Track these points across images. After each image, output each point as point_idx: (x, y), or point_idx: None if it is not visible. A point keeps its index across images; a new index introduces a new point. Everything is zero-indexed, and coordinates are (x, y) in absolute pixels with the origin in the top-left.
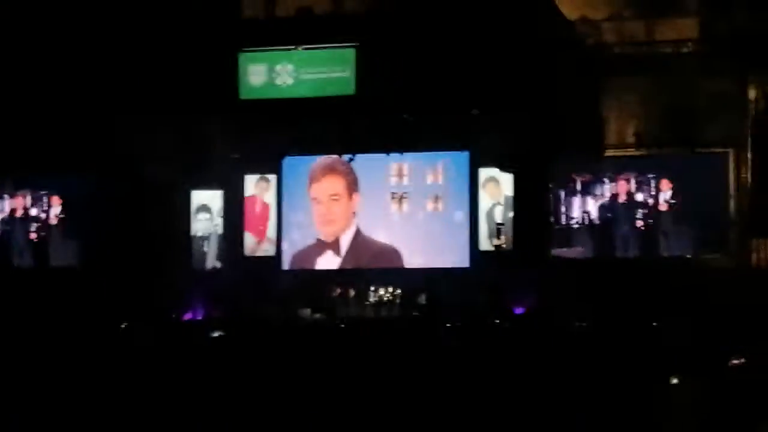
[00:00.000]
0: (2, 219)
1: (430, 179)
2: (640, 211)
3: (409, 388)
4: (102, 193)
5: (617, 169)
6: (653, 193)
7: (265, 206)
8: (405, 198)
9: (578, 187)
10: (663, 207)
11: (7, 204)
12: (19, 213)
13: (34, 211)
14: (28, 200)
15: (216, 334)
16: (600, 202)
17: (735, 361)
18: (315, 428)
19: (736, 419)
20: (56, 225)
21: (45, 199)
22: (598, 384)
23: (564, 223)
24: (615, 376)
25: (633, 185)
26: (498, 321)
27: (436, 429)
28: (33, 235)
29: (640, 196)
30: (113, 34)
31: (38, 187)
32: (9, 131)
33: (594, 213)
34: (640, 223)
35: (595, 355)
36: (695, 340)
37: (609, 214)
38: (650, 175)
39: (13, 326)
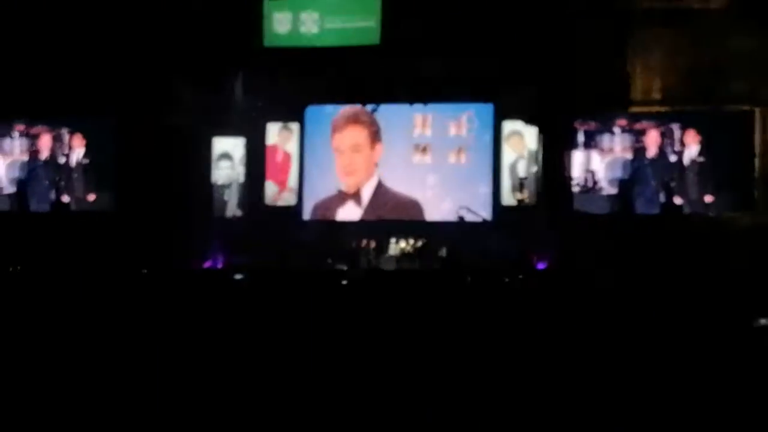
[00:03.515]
0: (20, 159)
1: (453, 131)
2: (665, 167)
3: (428, 343)
4: (122, 138)
5: (643, 125)
6: (678, 149)
7: (287, 155)
8: (427, 150)
9: (602, 142)
10: (688, 164)
11: (23, 143)
12: (43, 153)
13: (56, 153)
14: (47, 139)
15: (238, 277)
16: (624, 157)
17: (763, 322)
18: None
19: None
20: (76, 168)
21: (66, 140)
22: (621, 340)
23: (587, 178)
24: (638, 332)
25: (658, 141)
26: (521, 276)
27: (453, 386)
28: (54, 178)
29: (665, 153)
30: None
31: (57, 125)
32: (27, 69)
33: (616, 168)
34: (664, 180)
35: (617, 311)
36: (717, 299)
37: (633, 170)
38: (676, 132)
39: (32, 271)
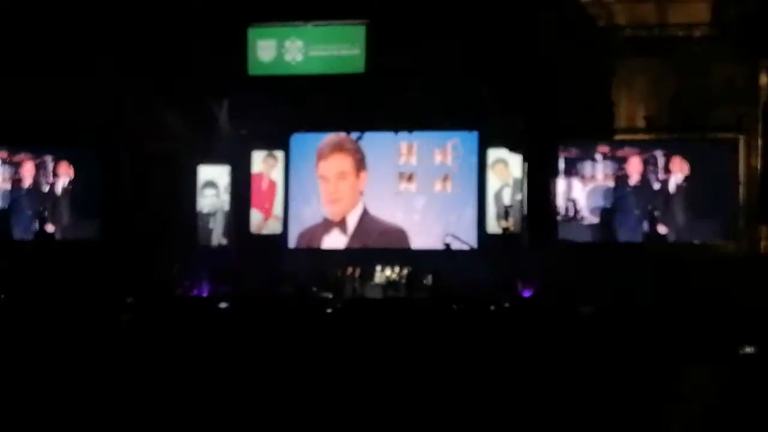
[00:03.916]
0: (2, 187)
1: (438, 159)
2: (649, 195)
3: (414, 371)
4: (107, 167)
5: (626, 152)
6: (662, 177)
7: (272, 183)
8: (413, 178)
9: (586, 169)
10: (672, 192)
11: (5, 170)
12: (26, 182)
13: (40, 181)
14: (30, 167)
15: (223, 305)
16: (608, 185)
17: (746, 350)
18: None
19: (745, 408)
20: (61, 196)
21: (50, 167)
22: (604, 369)
23: (571, 206)
24: (620, 361)
25: (642, 169)
26: (506, 304)
27: (441, 413)
28: (38, 207)
29: (648, 180)
30: (121, 6)
31: (41, 152)
32: (8, 96)
33: (601, 196)
34: (648, 208)
35: (601, 339)
36: (702, 327)
37: (616, 198)
38: (660, 160)
39: (18, 300)
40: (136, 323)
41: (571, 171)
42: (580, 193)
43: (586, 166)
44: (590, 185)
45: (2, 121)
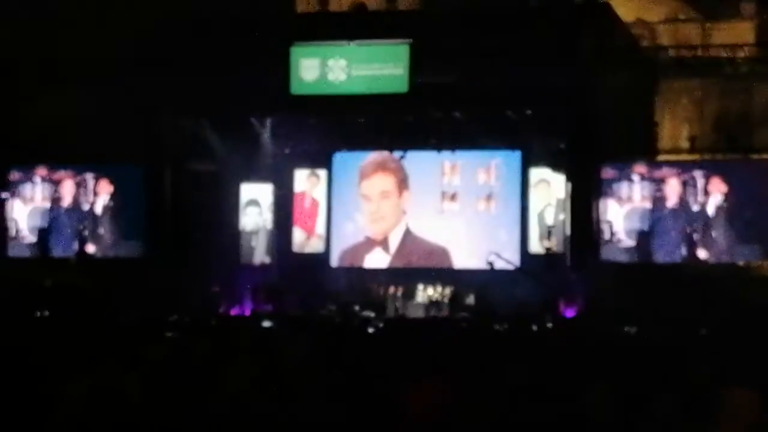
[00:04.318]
0: (42, 206)
1: (481, 178)
2: (691, 215)
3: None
4: (149, 185)
5: (664, 173)
6: (704, 198)
7: (315, 202)
8: (456, 197)
9: (628, 190)
10: (713, 212)
11: (45, 189)
12: (66, 200)
13: (80, 199)
14: (70, 185)
15: (266, 324)
16: (650, 205)
17: None
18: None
19: None
20: (102, 214)
21: (90, 186)
22: (648, 390)
23: (613, 226)
24: (663, 382)
25: (684, 190)
26: (549, 324)
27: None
28: (78, 225)
29: (690, 201)
30: (165, 28)
31: (81, 171)
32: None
33: (644, 217)
34: (689, 228)
35: (644, 360)
36: (745, 348)
37: (659, 218)
38: (702, 180)
39: (61, 317)
40: (180, 341)
41: (608, 192)
42: (617, 214)
43: (623, 188)
44: (627, 207)
45: (42, 138)
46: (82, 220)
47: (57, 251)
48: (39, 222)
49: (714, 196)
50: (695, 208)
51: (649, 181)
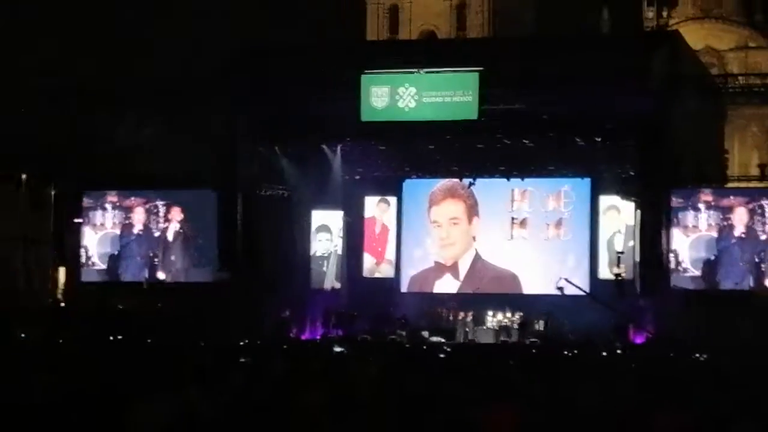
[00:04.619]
0: (113, 232)
1: (551, 205)
2: (758, 244)
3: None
4: (222, 211)
5: (731, 202)
6: None
7: (385, 228)
8: (525, 223)
9: (695, 219)
10: None
11: (116, 215)
12: (137, 227)
13: (150, 225)
14: (141, 212)
15: (338, 349)
16: (717, 234)
17: None
18: None
19: None
20: (174, 240)
21: (161, 212)
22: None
23: (679, 255)
24: (735, 408)
25: (748, 219)
26: (618, 350)
27: None
28: (149, 251)
29: (755, 230)
30: (240, 56)
31: (152, 197)
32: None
33: (710, 246)
34: (757, 257)
35: (715, 387)
36: None
37: (725, 247)
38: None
39: (133, 342)
40: (251, 367)
41: (675, 221)
42: (683, 243)
43: (689, 216)
44: (693, 236)
45: (115, 164)
46: (153, 247)
47: (127, 277)
48: (110, 248)
49: None
50: (762, 237)
51: (716, 210)
